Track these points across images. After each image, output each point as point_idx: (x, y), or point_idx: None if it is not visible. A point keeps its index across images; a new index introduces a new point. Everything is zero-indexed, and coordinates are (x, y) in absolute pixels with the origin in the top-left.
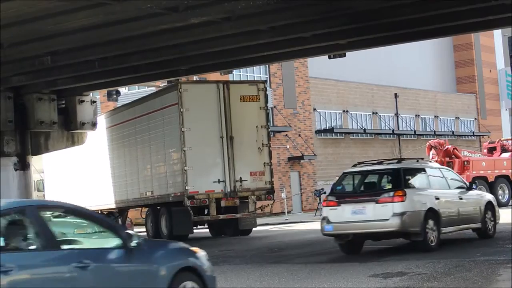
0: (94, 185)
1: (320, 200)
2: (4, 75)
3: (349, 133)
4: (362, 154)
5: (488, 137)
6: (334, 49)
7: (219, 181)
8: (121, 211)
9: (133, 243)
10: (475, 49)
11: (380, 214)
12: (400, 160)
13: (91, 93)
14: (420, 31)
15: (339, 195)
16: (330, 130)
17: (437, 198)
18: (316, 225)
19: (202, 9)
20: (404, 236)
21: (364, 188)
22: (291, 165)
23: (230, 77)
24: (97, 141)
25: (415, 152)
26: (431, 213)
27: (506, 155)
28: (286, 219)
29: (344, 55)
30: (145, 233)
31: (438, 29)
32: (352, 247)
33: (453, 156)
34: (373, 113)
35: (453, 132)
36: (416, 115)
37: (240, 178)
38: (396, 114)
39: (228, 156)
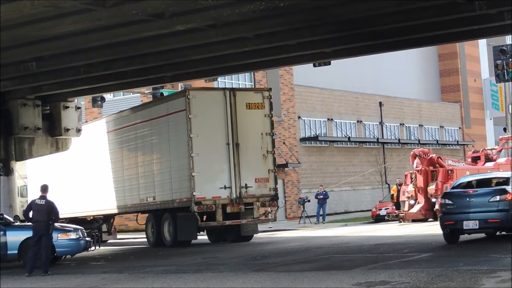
0: (82, 191)
1: (304, 208)
2: None
3: (333, 141)
4: (346, 162)
5: (473, 146)
6: (319, 57)
7: (225, 187)
8: (107, 217)
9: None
10: (460, 58)
11: None
12: None
13: (75, 99)
14: (405, 40)
15: None
16: (315, 138)
17: None
18: (299, 233)
19: (188, 16)
20: None
21: None
22: None
23: (215, 84)
24: (87, 146)
25: (400, 161)
26: None
27: (490, 164)
28: (269, 227)
29: (329, 63)
30: (145, 239)
31: (423, 38)
32: None
33: (437, 165)
34: (357, 121)
35: (437, 141)
36: (400, 124)
37: (246, 184)
38: (381, 123)
39: (234, 162)
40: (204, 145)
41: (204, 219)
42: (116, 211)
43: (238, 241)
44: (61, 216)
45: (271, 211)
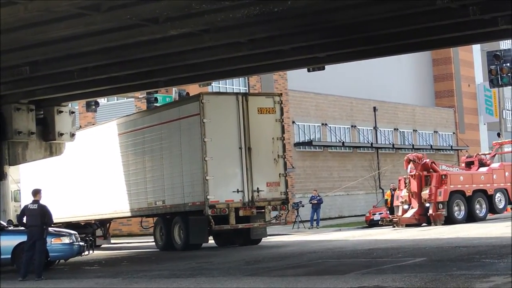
0: (81, 195)
1: (298, 212)
2: None
3: (327, 146)
4: (340, 167)
5: (466, 151)
6: (313, 62)
7: (238, 191)
8: (102, 222)
9: None
10: (454, 63)
11: None
12: None
13: (69, 104)
14: (399, 45)
15: None
16: (309, 143)
17: None
18: (293, 238)
19: (182, 21)
20: None
21: None
22: None
23: (209, 89)
24: (84, 150)
25: (394, 166)
26: None
27: (483, 169)
28: None
29: (323, 68)
30: (140, 244)
31: (417, 43)
32: None
33: (431, 170)
34: (351, 126)
35: (431, 146)
36: (394, 129)
37: (258, 188)
38: (375, 128)
39: (247, 166)
40: (218, 149)
41: (213, 222)
42: (120, 215)
43: (247, 244)
44: (56, 220)
45: (282, 214)
